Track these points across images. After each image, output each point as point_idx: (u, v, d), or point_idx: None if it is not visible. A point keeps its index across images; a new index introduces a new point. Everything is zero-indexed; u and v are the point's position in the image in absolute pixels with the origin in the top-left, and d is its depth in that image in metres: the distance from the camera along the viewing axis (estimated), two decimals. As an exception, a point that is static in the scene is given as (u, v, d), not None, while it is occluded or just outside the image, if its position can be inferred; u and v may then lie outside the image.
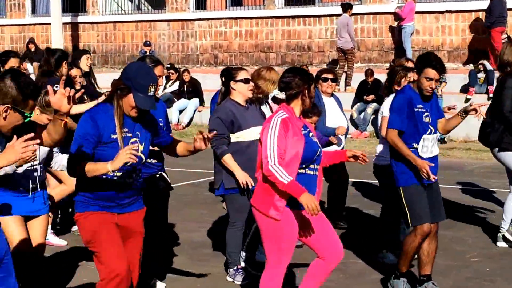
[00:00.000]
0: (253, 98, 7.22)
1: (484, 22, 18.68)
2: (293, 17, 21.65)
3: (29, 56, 22.23)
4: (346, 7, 19.39)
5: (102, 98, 7.29)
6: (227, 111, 7.03)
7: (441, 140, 17.14)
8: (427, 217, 6.66)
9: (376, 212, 9.60)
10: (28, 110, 4.53)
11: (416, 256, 6.84)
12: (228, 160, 6.99)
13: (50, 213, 8.53)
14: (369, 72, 18.63)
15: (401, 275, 6.83)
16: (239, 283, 7.25)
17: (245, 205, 7.15)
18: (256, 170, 5.71)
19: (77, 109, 6.96)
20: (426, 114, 6.59)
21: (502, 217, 8.55)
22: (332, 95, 8.76)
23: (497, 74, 17.84)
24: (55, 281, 7.25)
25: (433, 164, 6.50)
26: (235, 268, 7.31)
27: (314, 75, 7.36)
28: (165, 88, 20.52)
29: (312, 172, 5.59)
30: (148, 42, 22.57)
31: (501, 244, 8.53)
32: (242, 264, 7.39)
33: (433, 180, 6.57)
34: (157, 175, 6.74)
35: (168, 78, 20.57)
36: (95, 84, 10.44)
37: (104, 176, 5.03)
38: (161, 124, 5.91)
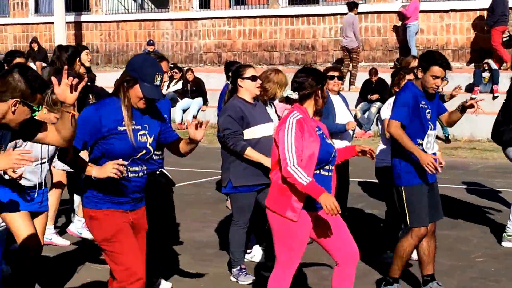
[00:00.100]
0: (259, 97, 7.23)
1: (486, 21, 18.59)
2: (297, 16, 21.61)
3: (32, 55, 22.19)
4: (352, 6, 19.32)
5: None
6: (236, 109, 7.05)
7: (446, 139, 17.11)
8: (427, 220, 6.59)
9: (380, 212, 9.56)
10: (36, 104, 4.54)
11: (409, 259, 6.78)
12: (251, 153, 7.00)
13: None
14: (373, 72, 18.59)
15: (394, 280, 6.73)
16: (243, 283, 7.23)
17: (249, 205, 7.14)
18: (270, 170, 5.66)
19: None
20: (428, 110, 6.56)
21: (509, 217, 8.51)
22: (338, 93, 8.73)
23: (503, 73, 17.94)
24: (59, 281, 7.23)
25: (437, 157, 6.41)
26: (239, 268, 7.29)
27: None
28: (168, 87, 20.48)
29: (326, 173, 5.55)
30: (151, 41, 22.54)
31: (506, 244, 8.50)
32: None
33: (436, 173, 6.46)
34: (158, 172, 6.70)
35: (171, 78, 20.53)
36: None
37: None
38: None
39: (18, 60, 8.97)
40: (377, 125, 17.57)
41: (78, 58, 9.06)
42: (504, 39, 18.72)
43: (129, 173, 5.05)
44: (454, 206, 10.62)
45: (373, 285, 7.16)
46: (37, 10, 26.03)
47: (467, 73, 18.57)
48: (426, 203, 6.58)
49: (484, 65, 18.05)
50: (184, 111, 20.45)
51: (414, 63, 8.23)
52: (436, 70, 6.43)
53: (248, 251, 7.88)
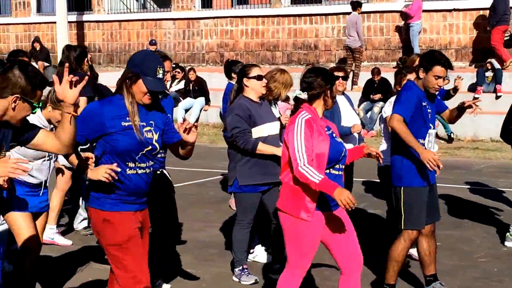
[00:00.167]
0: (265, 97, 7.23)
1: (489, 20, 18.53)
2: (300, 15, 21.59)
3: (34, 55, 22.20)
4: (356, 5, 19.27)
5: None
6: (243, 107, 7.06)
7: (449, 138, 17.08)
8: (423, 223, 6.53)
9: (382, 212, 9.53)
10: (36, 100, 4.52)
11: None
12: (263, 147, 7.02)
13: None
14: (375, 71, 18.56)
15: (390, 287, 6.66)
16: (245, 283, 7.21)
17: (253, 205, 7.13)
18: (280, 172, 5.63)
19: None
20: (429, 110, 6.53)
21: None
22: (342, 93, 8.71)
23: (506, 73, 17.91)
24: (60, 280, 7.22)
25: (440, 155, 6.35)
26: (241, 267, 7.27)
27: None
28: (170, 87, 20.46)
29: (337, 172, 5.51)
30: (153, 41, 22.52)
31: (509, 244, 8.48)
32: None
33: (437, 170, 6.40)
34: (158, 172, 6.67)
35: (173, 77, 20.51)
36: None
37: (130, 171, 4.98)
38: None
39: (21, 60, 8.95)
40: (379, 124, 17.54)
41: (86, 59, 9.07)
42: (506, 38, 18.69)
43: (138, 169, 5.02)
44: (457, 206, 10.60)
45: (376, 285, 7.13)
46: (39, 9, 26.03)
47: (470, 72, 18.53)
48: (424, 206, 6.49)
49: (487, 64, 18.02)
50: (187, 110, 20.43)
51: (418, 61, 8.20)
52: (439, 70, 6.39)
53: (251, 251, 7.87)
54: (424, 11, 19.50)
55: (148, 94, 4.98)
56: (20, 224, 6.09)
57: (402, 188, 6.50)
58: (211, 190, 12.02)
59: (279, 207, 5.55)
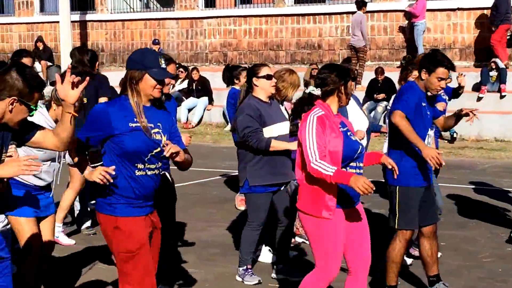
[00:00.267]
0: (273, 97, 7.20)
1: (493, 20, 18.46)
2: (303, 15, 21.55)
3: (38, 55, 22.17)
4: (361, 5, 19.19)
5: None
6: (253, 107, 7.04)
7: (451, 138, 17.04)
8: (416, 223, 6.50)
9: (386, 212, 9.48)
10: (33, 102, 4.49)
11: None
12: (277, 144, 6.99)
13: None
14: (379, 71, 18.52)
15: None
16: (248, 283, 7.18)
17: (265, 205, 7.10)
18: (296, 172, 5.59)
19: None
20: (428, 112, 6.50)
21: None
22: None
23: (511, 72, 17.85)
24: (65, 281, 7.20)
25: (442, 151, 6.29)
26: (245, 267, 7.25)
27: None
28: (173, 86, 20.44)
29: (354, 170, 5.42)
30: (156, 41, 22.50)
31: (515, 244, 8.45)
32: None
33: (439, 168, 6.35)
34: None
35: (177, 77, 20.48)
36: None
37: (139, 172, 4.95)
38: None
39: (25, 59, 8.92)
40: (384, 123, 17.49)
41: (98, 62, 9.08)
42: (508, 38, 18.63)
43: (147, 170, 4.98)
44: (462, 206, 10.56)
45: (378, 285, 7.09)
46: (42, 9, 26.02)
47: (474, 72, 18.48)
48: (417, 206, 6.45)
49: (492, 64, 17.96)
50: (190, 110, 20.41)
51: None
52: (442, 71, 6.34)
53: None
54: (428, 10, 19.45)
55: (157, 86, 4.95)
56: (22, 224, 6.09)
57: (398, 187, 6.46)
58: (214, 190, 12.00)
59: (300, 209, 5.50)
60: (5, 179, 4.69)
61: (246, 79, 7.45)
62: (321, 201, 5.34)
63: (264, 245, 7.95)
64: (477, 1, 19.44)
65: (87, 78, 4.86)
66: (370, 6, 20.03)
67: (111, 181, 4.82)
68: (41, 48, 23.15)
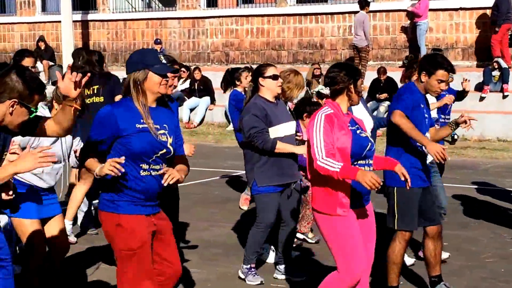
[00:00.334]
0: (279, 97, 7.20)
1: (495, 20, 18.42)
2: (305, 14, 21.54)
3: (39, 54, 22.18)
4: (363, 4, 19.15)
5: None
6: (260, 107, 7.02)
7: (452, 139, 17.01)
8: (415, 224, 6.49)
9: (389, 212, 9.47)
10: (33, 105, 4.49)
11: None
12: (282, 146, 6.97)
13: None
14: (381, 70, 18.50)
15: None
16: (251, 283, 7.16)
17: (273, 205, 7.07)
18: (308, 172, 5.58)
19: None
20: (426, 115, 6.49)
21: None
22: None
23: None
24: (69, 281, 7.17)
25: (446, 146, 6.28)
26: (249, 266, 7.24)
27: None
28: (175, 86, 20.41)
29: (363, 168, 5.38)
30: (158, 40, 22.50)
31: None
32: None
33: (444, 162, 6.33)
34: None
35: (179, 77, 20.46)
36: None
37: (144, 172, 4.95)
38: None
39: (27, 59, 8.89)
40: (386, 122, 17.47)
41: (104, 63, 9.11)
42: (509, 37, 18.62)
43: (152, 171, 4.98)
44: (464, 206, 10.55)
45: (379, 285, 7.06)
46: (44, 8, 26.02)
47: (476, 72, 18.45)
48: (417, 207, 6.43)
49: (494, 63, 17.93)
50: (192, 110, 20.39)
51: None
52: (442, 74, 6.32)
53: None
54: (430, 10, 19.42)
55: (162, 82, 4.98)
56: (27, 227, 6.09)
57: (396, 188, 6.43)
58: (216, 190, 11.99)
59: (314, 208, 5.49)
60: (13, 183, 4.70)
61: (247, 79, 7.44)
62: (335, 199, 5.35)
63: (268, 245, 7.93)
64: (480, 0, 19.41)
65: (88, 74, 4.88)
66: (372, 6, 20.00)
67: (122, 170, 4.80)
68: (43, 48, 23.16)
